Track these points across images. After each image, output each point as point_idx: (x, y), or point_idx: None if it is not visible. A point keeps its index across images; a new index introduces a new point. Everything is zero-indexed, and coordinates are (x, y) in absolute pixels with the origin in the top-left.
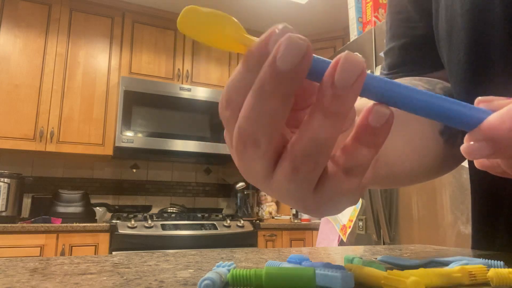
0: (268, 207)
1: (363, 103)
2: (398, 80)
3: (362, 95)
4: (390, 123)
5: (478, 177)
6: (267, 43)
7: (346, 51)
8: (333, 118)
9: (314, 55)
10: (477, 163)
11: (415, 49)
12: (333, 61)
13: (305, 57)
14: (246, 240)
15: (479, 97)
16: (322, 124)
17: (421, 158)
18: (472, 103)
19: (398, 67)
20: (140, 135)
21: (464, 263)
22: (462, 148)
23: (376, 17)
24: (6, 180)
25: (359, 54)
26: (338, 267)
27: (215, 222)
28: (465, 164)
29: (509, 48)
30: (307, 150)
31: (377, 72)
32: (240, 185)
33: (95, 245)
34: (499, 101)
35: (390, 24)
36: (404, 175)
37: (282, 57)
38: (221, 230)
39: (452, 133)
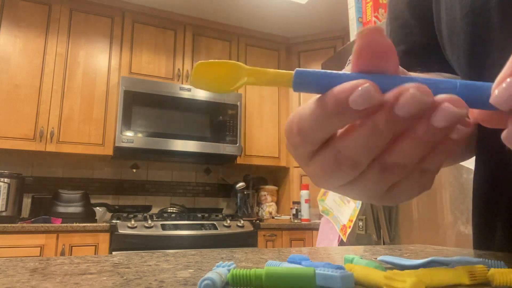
0: (268, 207)
1: None
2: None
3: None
4: (469, 133)
5: (480, 177)
6: (347, 95)
7: (446, 100)
8: (425, 144)
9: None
10: None
11: (414, 57)
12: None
13: (424, 106)
14: (246, 240)
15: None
16: (415, 146)
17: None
18: None
19: None
20: (140, 135)
21: (464, 263)
22: (504, 136)
23: (376, 17)
24: (6, 180)
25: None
26: (338, 267)
27: (215, 222)
28: (465, 164)
29: (507, 51)
30: (399, 160)
31: None
32: (240, 185)
33: (95, 245)
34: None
35: (390, 30)
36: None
37: (402, 106)
38: (221, 230)
39: None
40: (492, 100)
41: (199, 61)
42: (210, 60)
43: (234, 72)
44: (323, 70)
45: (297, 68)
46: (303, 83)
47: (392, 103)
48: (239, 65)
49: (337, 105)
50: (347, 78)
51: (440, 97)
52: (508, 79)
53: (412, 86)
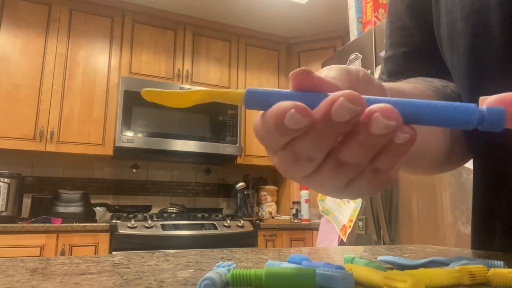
0: (268, 207)
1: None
2: (414, 81)
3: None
4: (413, 141)
5: (480, 178)
6: (282, 117)
7: (378, 112)
8: (369, 148)
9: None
10: None
11: (413, 59)
12: (368, 111)
13: (360, 113)
14: (246, 240)
15: (481, 97)
16: (360, 148)
17: (443, 144)
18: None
19: (398, 74)
20: (140, 135)
21: (464, 263)
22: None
23: (376, 17)
24: (6, 180)
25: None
26: (338, 267)
27: (215, 222)
28: (465, 164)
29: (507, 52)
30: (349, 159)
31: (377, 72)
32: (240, 185)
33: (95, 245)
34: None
35: (390, 32)
36: (427, 159)
37: (338, 114)
38: (221, 230)
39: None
40: None
41: (145, 90)
42: (157, 90)
43: (184, 99)
44: (270, 89)
45: (248, 87)
46: (253, 102)
47: (328, 110)
48: (188, 93)
49: (276, 125)
50: (288, 97)
51: (375, 106)
52: None
53: (342, 95)
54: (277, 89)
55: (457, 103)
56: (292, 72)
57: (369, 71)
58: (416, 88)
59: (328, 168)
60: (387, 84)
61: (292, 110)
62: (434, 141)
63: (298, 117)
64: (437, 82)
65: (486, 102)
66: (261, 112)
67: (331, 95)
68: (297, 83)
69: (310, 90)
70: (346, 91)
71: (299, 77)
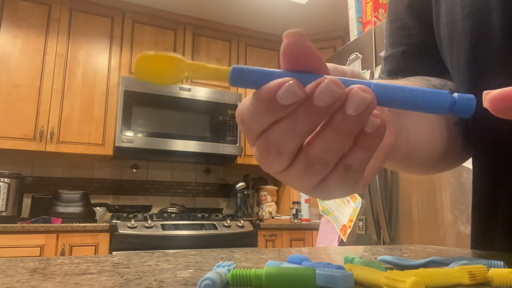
0: (268, 207)
1: None
2: (412, 79)
3: (380, 105)
4: (383, 129)
5: (480, 178)
6: (274, 92)
7: (356, 87)
8: (343, 135)
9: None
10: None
11: (413, 58)
12: (346, 91)
13: (340, 98)
14: (246, 240)
15: (485, 91)
16: (334, 138)
17: (438, 143)
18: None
19: (398, 73)
20: (140, 135)
21: (464, 263)
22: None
23: (376, 17)
24: (6, 180)
25: (366, 89)
26: (338, 267)
27: (215, 222)
28: (465, 164)
29: (508, 51)
30: (320, 154)
31: (377, 72)
32: (240, 185)
33: (95, 245)
34: None
35: (389, 31)
36: (421, 158)
37: (319, 98)
38: (221, 230)
39: (465, 126)
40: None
41: (142, 53)
42: (150, 52)
43: (176, 66)
44: (258, 68)
45: (234, 65)
46: (239, 79)
47: (310, 94)
48: (180, 60)
49: (267, 101)
50: (278, 75)
51: (351, 87)
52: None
53: (327, 78)
54: (264, 68)
55: (431, 89)
56: (286, 32)
57: (369, 71)
58: (414, 85)
59: (299, 165)
60: (382, 81)
61: (291, 82)
62: (429, 140)
63: (296, 88)
64: (435, 81)
65: (490, 96)
66: (252, 92)
67: (319, 78)
68: (288, 45)
69: (298, 57)
70: (330, 76)
71: (292, 38)
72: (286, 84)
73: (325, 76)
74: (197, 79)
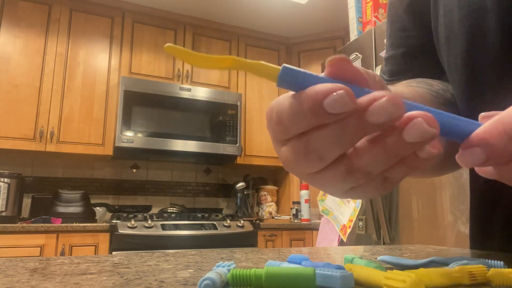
0: (268, 207)
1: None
2: (414, 84)
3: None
4: (435, 158)
5: (478, 178)
6: (322, 98)
7: (420, 117)
8: (393, 156)
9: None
10: (478, 170)
11: (413, 60)
12: (405, 117)
13: (393, 117)
14: (246, 240)
15: (482, 113)
16: (383, 155)
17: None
18: (470, 107)
19: (398, 74)
20: (140, 135)
21: (464, 263)
22: (457, 156)
23: (376, 17)
24: (6, 180)
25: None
26: (338, 267)
27: (215, 222)
28: None
29: (504, 53)
30: (365, 166)
31: (377, 72)
32: (240, 185)
33: (95, 245)
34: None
35: (390, 32)
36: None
37: (372, 115)
38: (221, 230)
39: None
40: (457, 158)
41: (168, 45)
42: (182, 48)
43: (215, 61)
44: (306, 71)
45: (284, 64)
46: (287, 80)
47: (364, 108)
48: (220, 59)
49: (313, 106)
50: (328, 81)
51: (414, 112)
52: (476, 149)
53: (386, 95)
54: (314, 73)
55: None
56: (329, 58)
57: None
58: (416, 92)
59: (338, 171)
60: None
61: (342, 91)
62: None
63: (346, 99)
64: (437, 86)
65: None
66: (290, 92)
67: (375, 93)
68: (332, 70)
69: (343, 79)
70: (390, 92)
71: (337, 64)
72: (336, 92)
73: (384, 92)
74: (241, 70)
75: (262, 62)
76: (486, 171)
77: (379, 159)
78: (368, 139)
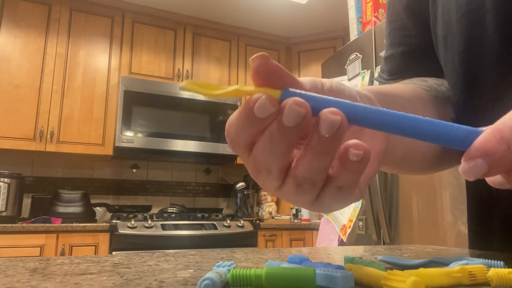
0: (268, 207)
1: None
2: (407, 82)
3: (353, 124)
4: (367, 157)
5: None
6: (253, 105)
7: (326, 110)
8: (322, 155)
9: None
10: (489, 181)
11: (412, 59)
12: (319, 116)
13: (304, 118)
14: (246, 240)
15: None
16: (314, 158)
17: (433, 145)
18: (467, 106)
19: (397, 74)
20: (140, 135)
21: (464, 263)
22: (460, 170)
23: (376, 17)
24: (6, 180)
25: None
26: (338, 267)
27: (215, 222)
28: None
29: (501, 53)
30: (305, 175)
31: (377, 72)
32: (240, 185)
33: (95, 245)
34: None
35: (389, 32)
36: (417, 162)
37: (287, 117)
38: (221, 230)
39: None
40: (461, 171)
41: (186, 84)
42: (197, 83)
43: (223, 94)
44: (308, 93)
45: (284, 88)
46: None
47: (281, 113)
48: (227, 93)
49: (248, 113)
50: (327, 102)
51: (323, 110)
52: (476, 161)
53: (291, 100)
54: (315, 94)
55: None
56: (252, 57)
57: (369, 71)
58: (407, 87)
59: (290, 185)
60: (375, 88)
61: (264, 97)
62: (425, 143)
63: (267, 103)
64: (431, 81)
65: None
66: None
67: (285, 101)
68: (256, 67)
69: (265, 75)
70: (296, 98)
71: (258, 60)
72: (260, 98)
73: (293, 98)
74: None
75: (266, 88)
76: (495, 181)
77: (313, 164)
78: (302, 148)
